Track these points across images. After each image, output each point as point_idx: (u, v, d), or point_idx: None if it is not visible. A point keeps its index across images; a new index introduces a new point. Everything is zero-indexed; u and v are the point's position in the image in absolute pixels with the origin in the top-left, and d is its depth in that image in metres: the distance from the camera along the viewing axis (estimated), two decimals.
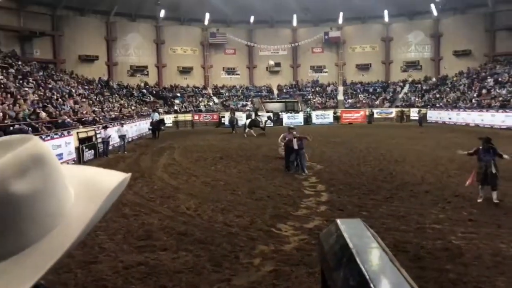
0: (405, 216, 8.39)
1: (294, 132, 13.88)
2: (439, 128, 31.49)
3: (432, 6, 42.97)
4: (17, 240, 0.67)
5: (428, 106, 40.58)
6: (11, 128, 14.06)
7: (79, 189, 0.78)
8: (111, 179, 0.79)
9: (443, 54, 45.66)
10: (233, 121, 32.36)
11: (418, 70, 47.01)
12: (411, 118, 39.46)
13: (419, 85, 45.77)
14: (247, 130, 27.89)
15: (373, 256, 1.17)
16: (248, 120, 29.86)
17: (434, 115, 38.87)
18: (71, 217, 0.73)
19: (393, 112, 42.39)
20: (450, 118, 36.32)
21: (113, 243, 7.12)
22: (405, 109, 41.49)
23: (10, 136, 0.75)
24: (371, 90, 47.26)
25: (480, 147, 9.46)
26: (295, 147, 13.33)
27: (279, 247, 6.76)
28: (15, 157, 0.69)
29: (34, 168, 0.70)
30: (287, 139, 13.68)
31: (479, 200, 9.28)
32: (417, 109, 39.34)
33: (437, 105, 40.20)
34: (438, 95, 42.22)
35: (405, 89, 46.30)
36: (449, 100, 39.61)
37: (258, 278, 5.63)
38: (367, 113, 41.32)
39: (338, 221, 1.42)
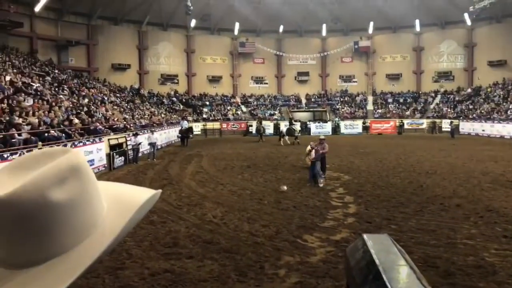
0: (436, 230, 8.15)
1: (324, 143, 13.90)
2: (472, 140, 30.57)
3: (466, 15, 42.00)
4: (52, 246, 0.70)
5: (461, 118, 39.53)
6: (46, 134, 14.55)
7: (111, 202, 0.81)
8: (141, 195, 0.82)
9: (477, 64, 44.47)
10: (259, 130, 32.48)
11: (450, 80, 45.92)
12: (443, 129, 38.51)
13: (452, 96, 44.68)
14: (286, 137, 28.16)
15: (400, 273, 1.14)
16: (286, 128, 30.26)
17: (466, 127, 37.79)
18: (104, 228, 0.76)
19: (424, 123, 41.51)
20: (483, 130, 35.22)
21: (140, 249, 7.22)
22: (437, 120, 40.56)
23: (53, 148, 0.79)
24: (401, 100, 46.48)
25: None
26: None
27: (305, 259, 6.68)
28: (56, 166, 0.72)
29: (72, 178, 0.73)
30: (319, 150, 13.44)
31: None
32: (449, 120, 38.38)
33: (470, 116, 39.09)
34: (471, 106, 41.08)
35: (437, 100, 45.29)
36: (482, 111, 38.46)
37: None
38: (397, 124, 40.62)
39: (365, 236, 1.40)
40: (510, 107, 35.91)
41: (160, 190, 0.85)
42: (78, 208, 0.73)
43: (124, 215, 0.78)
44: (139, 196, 0.82)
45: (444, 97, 45.09)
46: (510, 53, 41.43)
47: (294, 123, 33.90)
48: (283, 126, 31.89)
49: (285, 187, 12.45)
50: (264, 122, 36.49)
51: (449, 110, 42.56)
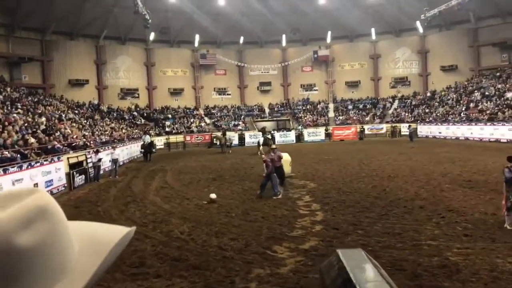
0: (401, 233, 8.33)
1: (278, 152, 13.91)
2: (429, 143, 31.74)
3: (418, 23, 43.88)
4: None
5: (418, 121, 41.00)
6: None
7: (83, 244, 0.76)
8: (115, 234, 0.77)
9: (431, 69, 46.47)
10: (221, 141, 33.18)
11: (406, 86, 47.67)
12: (402, 133, 39.77)
13: (408, 101, 46.32)
14: (261, 148, 28.36)
15: None
16: (262, 139, 30.63)
17: (424, 130, 39.28)
18: (75, 272, 0.71)
19: (384, 127, 42.73)
20: (440, 133, 36.70)
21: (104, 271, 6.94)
22: (397, 125, 41.86)
23: (19, 189, 0.73)
24: (361, 106, 47.72)
25: (506, 167, 8.25)
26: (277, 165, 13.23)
27: (275, 270, 6.64)
28: (21, 208, 0.67)
29: (40, 221, 0.68)
30: (273, 158, 13.39)
31: (508, 227, 8.25)
32: (407, 124, 39.71)
33: (427, 119, 40.63)
34: (427, 110, 42.71)
35: (395, 105, 46.81)
36: (438, 114, 40.06)
37: None
38: (358, 129, 41.59)
39: (339, 252, 1.37)
40: (463, 109, 37.60)
41: (134, 227, 0.78)
42: (46, 252, 0.68)
43: (96, 257, 0.73)
44: (112, 235, 0.76)
45: (402, 102, 46.69)
46: (460, 58, 43.66)
47: (269, 133, 34.55)
48: (260, 137, 32.06)
49: (214, 195, 12.46)
50: (228, 133, 36.55)
51: (406, 114, 44.06)
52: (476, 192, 11.90)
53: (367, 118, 45.23)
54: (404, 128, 40.08)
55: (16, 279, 0.64)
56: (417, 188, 12.98)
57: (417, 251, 7.20)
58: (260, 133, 36.07)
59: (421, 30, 45.08)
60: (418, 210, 10.21)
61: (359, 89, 49.11)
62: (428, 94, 45.41)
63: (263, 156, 14.08)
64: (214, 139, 36.71)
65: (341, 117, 46.33)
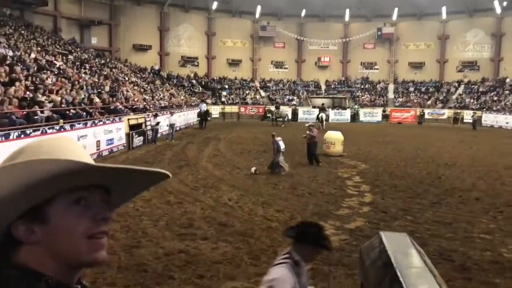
0: (452, 223, 8.05)
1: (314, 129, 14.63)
2: (494, 133, 29.87)
3: (496, 3, 40.62)
4: None
5: (484, 109, 38.59)
6: (67, 112, 14.78)
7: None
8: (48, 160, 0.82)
9: (504, 54, 43.14)
10: (273, 115, 33.80)
11: (475, 70, 44.73)
12: (465, 120, 37.70)
13: (475, 87, 43.58)
14: (324, 123, 29.76)
15: (419, 277, 1.10)
16: (321, 114, 31.08)
17: (489, 119, 36.89)
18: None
19: (446, 113, 40.69)
20: (507, 123, 34.33)
21: (155, 229, 7.34)
22: (460, 111, 39.70)
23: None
24: (423, 89, 45.61)
25: None
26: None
27: None
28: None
29: (20, 153, 0.85)
30: (313, 134, 14.25)
31: None
32: (471, 112, 37.51)
33: (494, 108, 38.13)
34: (495, 98, 40.03)
35: (460, 90, 44.27)
36: (507, 103, 37.45)
37: None
38: (418, 113, 39.93)
39: (382, 234, 1.36)
40: None
41: (74, 161, 0.83)
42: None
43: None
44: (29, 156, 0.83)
45: (468, 88, 44.03)
46: None
47: (327, 109, 35.42)
48: (322, 113, 32.05)
49: (254, 168, 12.58)
50: (282, 108, 36.61)
51: (472, 101, 41.59)
52: None
53: (429, 102, 43.22)
54: (467, 115, 37.92)
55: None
56: (475, 179, 12.39)
57: (468, 243, 6.96)
58: (318, 109, 35.80)
59: (498, 10, 41.69)
60: (473, 201, 9.78)
61: (422, 71, 46.79)
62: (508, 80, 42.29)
63: (307, 132, 14.27)
64: (268, 112, 36.87)
65: (400, 99, 44.61)
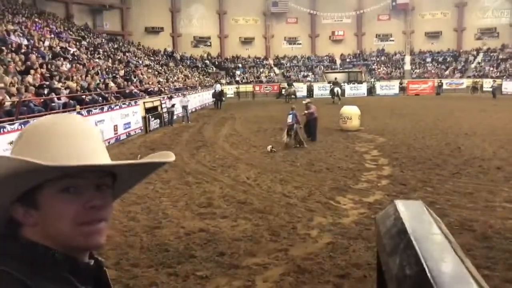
0: (473, 193, 7.96)
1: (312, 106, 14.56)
2: None
3: None
4: None
5: (504, 77, 37.49)
6: (83, 97, 14.96)
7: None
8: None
9: None
10: (286, 92, 33.94)
11: (494, 37, 43.34)
12: (484, 89, 36.74)
13: (495, 54, 42.27)
14: (336, 99, 29.79)
15: (434, 243, 1.09)
16: (337, 89, 31.00)
17: (510, 87, 35.87)
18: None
19: (464, 83, 39.73)
20: None
21: (176, 209, 7.46)
22: (479, 80, 38.68)
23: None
24: (440, 59, 44.51)
25: None
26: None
27: (337, 220, 6.72)
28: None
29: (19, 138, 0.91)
30: (311, 111, 14.23)
31: None
32: (491, 80, 36.50)
33: None
34: None
35: (479, 58, 43.04)
36: None
37: (315, 250, 5.66)
38: (436, 84, 39.12)
39: (397, 202, 1.36)
40: None
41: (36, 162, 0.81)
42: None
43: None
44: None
45: (487, 55, 42.77)
46: None
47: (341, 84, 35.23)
48: (336, 87, 31.69)
49: (270, 147, 12.66)
50: (296, 84, 36.41)
51: (491, 69, 40.44)
52: None
53: (447, 72, 42.23)
54: (487, 84, 36.94)
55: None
56: (496, 148, 12.16)
57: (489, 213, 6.88)
58: (331, 84, 35.32)
59: None
60: (494, 170, 9.62)
61: (439, 41, 45.57)
62: None
63: (305, 111, 14.34)
64: (283, 90, 36.66)
65: (417, 70, 43.69)
